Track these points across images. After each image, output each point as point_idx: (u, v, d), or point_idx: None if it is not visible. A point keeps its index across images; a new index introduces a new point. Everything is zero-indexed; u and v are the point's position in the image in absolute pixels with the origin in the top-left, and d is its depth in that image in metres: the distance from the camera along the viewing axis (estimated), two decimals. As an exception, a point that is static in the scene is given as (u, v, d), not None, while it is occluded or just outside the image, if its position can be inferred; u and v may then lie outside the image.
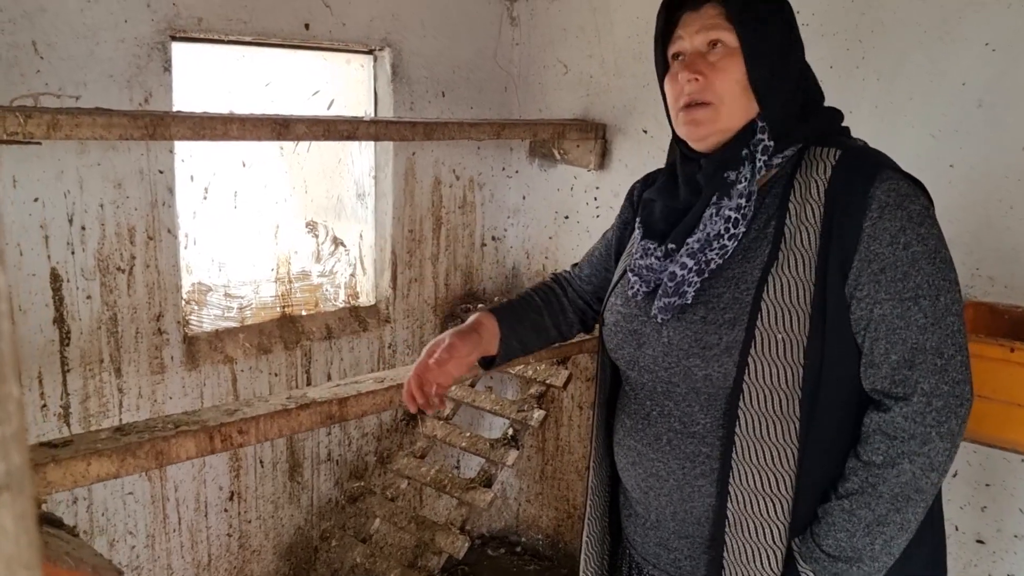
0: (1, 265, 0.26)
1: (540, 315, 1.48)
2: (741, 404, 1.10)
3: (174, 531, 2.27)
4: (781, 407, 1.08)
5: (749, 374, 1.09)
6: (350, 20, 2.39)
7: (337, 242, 2.69)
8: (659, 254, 1.20)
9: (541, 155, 2.90)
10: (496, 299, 2.97)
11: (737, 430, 1.10)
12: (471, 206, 2.91)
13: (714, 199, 1.15)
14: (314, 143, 2.55)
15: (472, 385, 2.53)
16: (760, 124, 1.14)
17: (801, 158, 1.15)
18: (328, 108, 2.57)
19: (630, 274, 1.25)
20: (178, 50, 2.08)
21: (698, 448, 1.16)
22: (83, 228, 1.95)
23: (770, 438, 1.09)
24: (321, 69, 2.55)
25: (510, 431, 2.39)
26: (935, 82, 2.01)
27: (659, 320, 1.17)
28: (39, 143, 1.68)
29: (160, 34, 2.00)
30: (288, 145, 2.51)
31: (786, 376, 1.07)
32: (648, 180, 1.39)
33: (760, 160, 1.14)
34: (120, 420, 2.08)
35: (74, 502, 2.06)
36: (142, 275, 2.07)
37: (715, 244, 1.14)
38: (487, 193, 2.95)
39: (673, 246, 1.19)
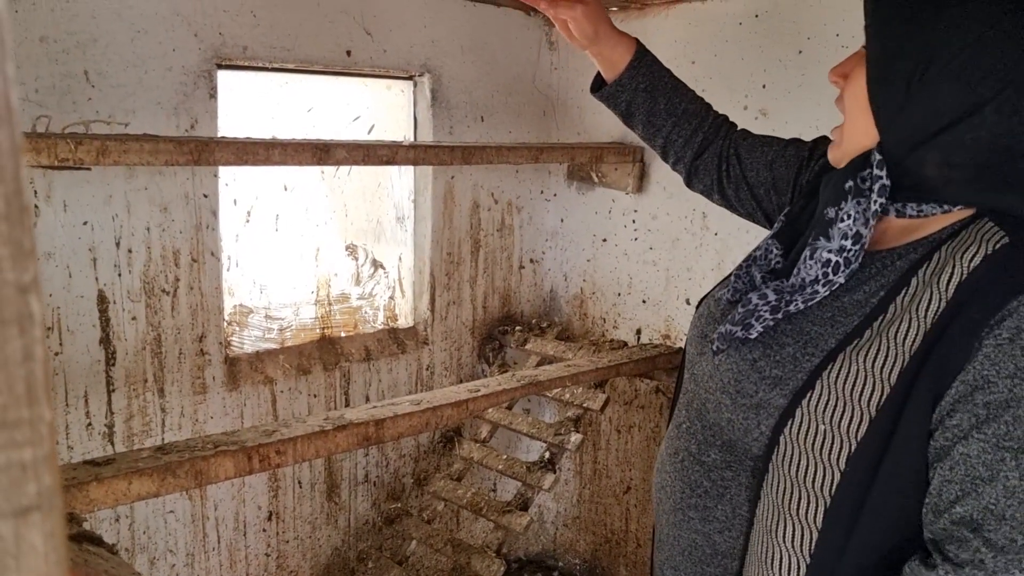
0: (37, 295, 0.27)
1: (682, 105, 1.28)
2: (764, 487, 0.93)
3: (213, 550, 2.30)
4: (799, 508, 0.90)
5: (777, 455, 0.91)
6: (391, 47, 2.43)
7: (376, 265, 2.72)
8: (771, 264, 1.02)
9: (579, 178, 2.91)
10: (534, 321, 2.97)
11: (757, 513, 0.95)
12: (509, 229, 2.92)
13: (811, 239, 0.95)
14: (354, 167, 2.58)
15: (509, 407, 2.53)
16: (877, 157, 0.89)
17: (965, 229, 0.88)
18: (368, 133, 2.61)
19: (735, 271, 1.07)
20: (224, 78, 2.14)
21: (700, 480, 1.03)
22: (130, 251, 2.00)
23: (777, 537, 0.92)
24: (362, 95, 2.59)
25: (547, 454, 2.38)
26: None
27: (714, 348, 1.02)
28: (89, 168, 1.74)
29: (206, 62, 2.05)
30: (329, 169, 2.55)
31: (817, 476, 0.88)
32: None
33: (876, 202, 0.89)
34: (163, 439, 2.12)
35: (116, 520, 2.09)
36: (186, 297, 2.12)
37: (808, 290, 0.94)
38: (525, 216, 2.97)
39: (778, 268, 1.01)
